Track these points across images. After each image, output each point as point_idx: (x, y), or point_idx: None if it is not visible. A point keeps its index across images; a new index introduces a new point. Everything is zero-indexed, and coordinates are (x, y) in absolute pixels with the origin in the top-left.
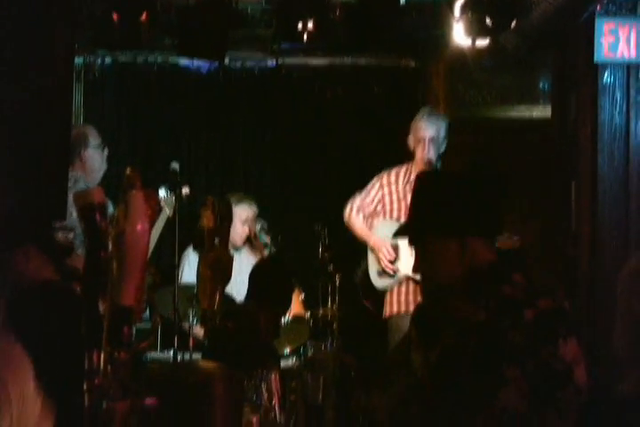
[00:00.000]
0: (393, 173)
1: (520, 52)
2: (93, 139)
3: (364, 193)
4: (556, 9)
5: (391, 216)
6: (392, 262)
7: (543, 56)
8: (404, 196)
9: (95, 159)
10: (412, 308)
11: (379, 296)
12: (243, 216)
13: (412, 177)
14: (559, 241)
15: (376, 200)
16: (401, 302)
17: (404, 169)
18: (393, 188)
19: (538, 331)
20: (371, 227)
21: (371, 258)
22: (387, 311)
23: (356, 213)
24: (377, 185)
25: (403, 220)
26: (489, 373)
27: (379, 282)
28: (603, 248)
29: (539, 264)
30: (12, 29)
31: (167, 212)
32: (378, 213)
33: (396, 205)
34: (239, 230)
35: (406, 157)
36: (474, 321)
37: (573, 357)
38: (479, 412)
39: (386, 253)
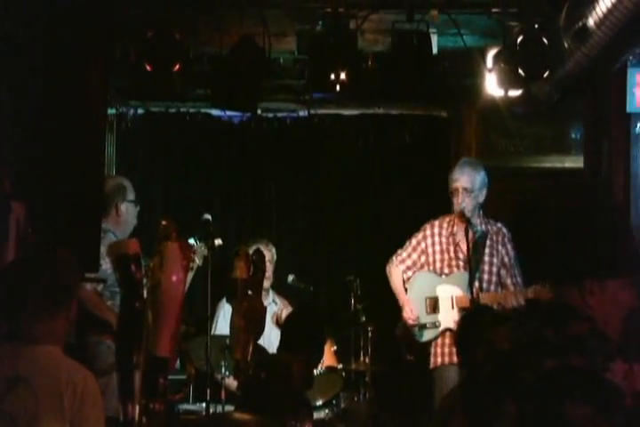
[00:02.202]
0: (436, 224)
1: (552, 102)
2: (130, 192)
3: (407, 244)
4: (589, 59)
5: (434, 267)
6: (421, 317)
7: (575, 105)
8: (447, 248)
9: (130, 213)
10: (456, 359)
11: (420, 348)
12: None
13: (455, 229)
14: None
15: (419, 251)
16: (445, 353)
17: (446, 220)
18: (436, 239)
19: None
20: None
21: (415, 309)
22: (433, 362)
23: (397, 265)
24: (420, 236)
25: (444, 271)
26: None
27: (419, 334)
28: None
29: None
30: (45, 80)
31: (197, 261)
32: (422, 265)
33: (438, 257)
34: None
35: (439, 205)
36: None
37: None
38: None
39: (408, 313)
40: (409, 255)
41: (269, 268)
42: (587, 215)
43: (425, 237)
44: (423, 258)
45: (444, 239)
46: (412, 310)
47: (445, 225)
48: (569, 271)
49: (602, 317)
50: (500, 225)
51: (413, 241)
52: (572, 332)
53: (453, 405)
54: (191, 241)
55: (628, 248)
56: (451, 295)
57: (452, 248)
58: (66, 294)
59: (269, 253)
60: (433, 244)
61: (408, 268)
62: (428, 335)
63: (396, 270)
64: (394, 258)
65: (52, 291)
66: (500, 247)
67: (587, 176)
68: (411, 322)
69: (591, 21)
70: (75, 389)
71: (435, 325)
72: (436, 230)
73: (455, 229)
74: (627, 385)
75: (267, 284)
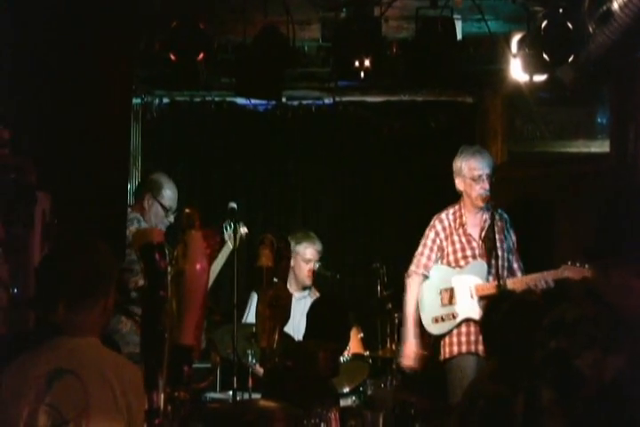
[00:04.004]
0: (443, 217)
1: (577, 86)
2: (167, 196)
3: (421, 248)
4: (613, 42)
5: (447, 260)
6: (436, 309)
7: (601, 90)
8: (459, 240)
9: (155, 214)
10: (474, 348)
11: (434, 342)
12: (307, 255)
13: (465, 219)
14: None
15: (436, 250)
16: (462, 342)
17: (451, 212)
18: (448, 232)
19: None
20: None
21: (425, 303)
22: (448, 352)
23: (419, 274)
24: (432, 235)
25: (459, 264)
26: None
27: (434, 328)
28: None
29: None
30: (71, 71)
31: (230, 245)
32: (437, 259)
33: (450, 249)
34: (304, 270)
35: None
36: None
37: None
38: None
39: (406, 357)
40: (429, 258)
41: (310, 264)
42: (610, 197)
43: (437, 234)
44: (440, 253)
45: (454, 231)
46: (412, 353)
47: (452, 217)
48: (591, 253)
49: (619, 302)
50: (500, 210)
51: (428, 242)
52: (570, 315)
53: (482, 394)
54: (225, 226)
55: None
56: (468, 285)
57: (464, 239)
58: (104, 284)
59: (315, 251)
60: (447, 237)
61: (424, 278)
62: (443, 328)
63: (413, 282)
64: (413, 267)
65: (91, 281)
66: (506, 232)
67: (613, 161)
68: (407, 364)
69: (615, 5)
70: (123, 381)
71: (451, 316)
72: (446, 224)
73: (464, 219)
74: (594, 375)
75: (308, 281)
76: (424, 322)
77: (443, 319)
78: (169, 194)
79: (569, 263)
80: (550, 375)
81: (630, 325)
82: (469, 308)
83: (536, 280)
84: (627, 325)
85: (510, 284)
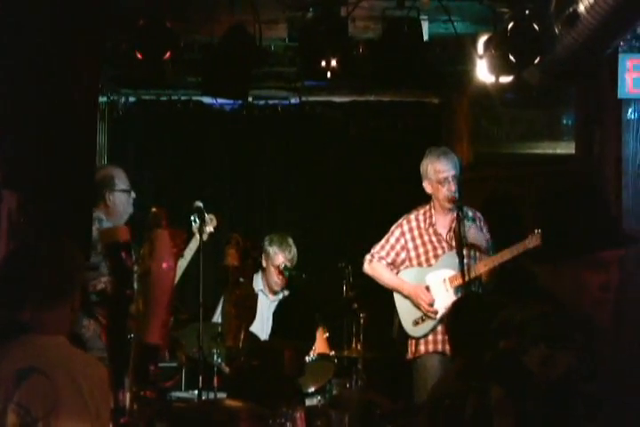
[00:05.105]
0: (412, 218)
1: (543, 88)
2: (121, 182)
3: (384, 242)
4: (579, 45)
5: (418, 262)
6: (431, 305)
7: (567, 92)
8: (429, 240)
9: (121, 202)
10: (440, 347)
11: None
12: (276, 261)
13: (434, 220)
14: None
15: (398, 248)
16: (428, 341)
17: (421, 212)
18: (415, 233)
19: None
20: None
21: (401, 308)
22: (412, 352)
23: (378, 262)
24: (397, 233)
25: (430, 263)
26: None
27: (415, 331)
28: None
29: None
30: (36, 69)
31: (197, 238)
32: (403, 261)
33: (421, 250)
34: (274, 275)
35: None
36: None
37: None
38: None
39: (424, 298)
40: (387, 254)
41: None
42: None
43: (403, 234)
44: (404, 254)
45: (423, 232)
46: (426, 293)
47: (421, 217)
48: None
49: (571, 300)
50: (469, 210)
51: (391, 239)
52: (519, 316)
53: (448, 393)
54: (192, 219)
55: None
56: (443, 279)
57: (434, 239)
58: (71, 282)
59: (288, 258)
60: (413, 238)
61: (387, 266)
62: (425, 328)
63: (382, 267)
64: (371, 256)
65: (57, 279)
66: (480, 232)
67: (579, 162)
68: (431, 308)
69: (581, 7)
70: (91, 379)
71: (431, 315)
72: (414, 224)
73: (434, 219)
74: (542, 371)
75: (277, 286)
76: (405, 327)
77: (423, 320)
78: (122, 177)
79: (535, 232)
80: (499, 374)
81: (583, 320)
82: (448, 301)
83: (503, 255)
84: (579, 321)
85: (481, 265)
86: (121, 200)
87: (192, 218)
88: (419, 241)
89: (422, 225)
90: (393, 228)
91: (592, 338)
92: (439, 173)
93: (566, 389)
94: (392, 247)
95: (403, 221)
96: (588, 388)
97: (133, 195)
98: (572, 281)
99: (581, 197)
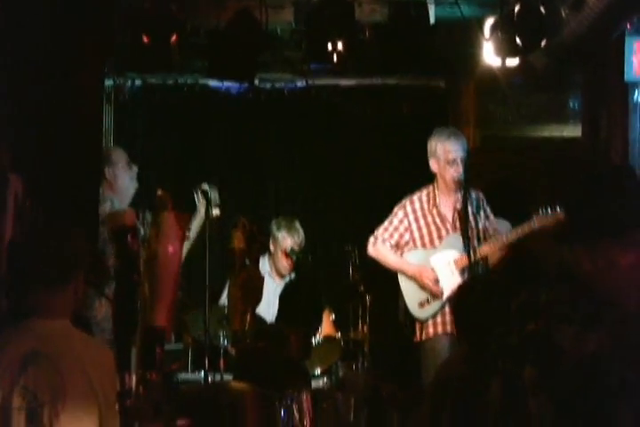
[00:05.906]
0: (415, 199)
1: (550, 71)
2: (118, 157)
3: (387, 223)
4: (586, 28)
5: (422, 243)
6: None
7: (573, 75)
8: (433, 221)
9: (122, 178)
10: (450, 328)
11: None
12: (283, 245)
13: (438, 201)
14: None
15: (402, 229)
16: (437, 323)
17: (425, 193)
18: (419, 214)
19: None
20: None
21: (406, 290)
22: (420, 335)
23: (382, 244)
24: (400, 214)
25: (435, 244)
26: None
27: (421, 313)
28: None
29: None
30: (42, 53)
31: (202, 215)
32: (407, 243)
33: (425, 231)
34: (281, 259)
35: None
36: None
37: None
38: None
39: (430, 276)
40: (391, 235)
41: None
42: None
43: (406, 215)
44: (407, 236)
45: (427, 213)
46: (430, 272)
47: (425, 198)
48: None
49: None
50: (474, 192)
51: (395, 220)
52: (544, 298)
53: (455, 376)
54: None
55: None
56: (448, 261)
57: (438, 220)
58: (75, 266)
59: (296, 242)
60: (416, 219)
61: (391, 247)
62: (430, 310)
63: (386, 249)
64: (375, 238)
65: (61, 263)
66: (482, 212)
67: (585, 145)
68: (436, 287)
69: None
70: (96, 363)
71: (436, 297)
72: (417, 206)
73: (438, 200)
74: (574, 349)
75: (285, 271)
76: (411, 309)
77: (429, 301)
78: (119, 153)
79: (540, 213)
80: (530, 355)
81: (613, 302)
82: (455, 284)
83: (511, 237)
84: (609, 304)
85: (486, 247)
86: (122, 175)
87: (196, 198)
88: (422, 222)
89: (426, 206)
90: (396, 209)
91: (621, 319)
92: (449, 153)
93: (598, 366)
94: (395, 229)
95: (406, 202)
96: (616, 366)
97: (135, 169)
98: (604, 261)
99: (618, 180)
